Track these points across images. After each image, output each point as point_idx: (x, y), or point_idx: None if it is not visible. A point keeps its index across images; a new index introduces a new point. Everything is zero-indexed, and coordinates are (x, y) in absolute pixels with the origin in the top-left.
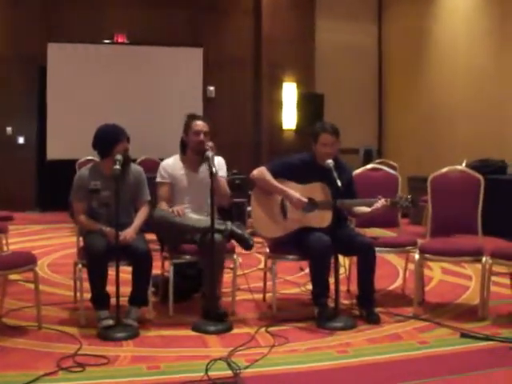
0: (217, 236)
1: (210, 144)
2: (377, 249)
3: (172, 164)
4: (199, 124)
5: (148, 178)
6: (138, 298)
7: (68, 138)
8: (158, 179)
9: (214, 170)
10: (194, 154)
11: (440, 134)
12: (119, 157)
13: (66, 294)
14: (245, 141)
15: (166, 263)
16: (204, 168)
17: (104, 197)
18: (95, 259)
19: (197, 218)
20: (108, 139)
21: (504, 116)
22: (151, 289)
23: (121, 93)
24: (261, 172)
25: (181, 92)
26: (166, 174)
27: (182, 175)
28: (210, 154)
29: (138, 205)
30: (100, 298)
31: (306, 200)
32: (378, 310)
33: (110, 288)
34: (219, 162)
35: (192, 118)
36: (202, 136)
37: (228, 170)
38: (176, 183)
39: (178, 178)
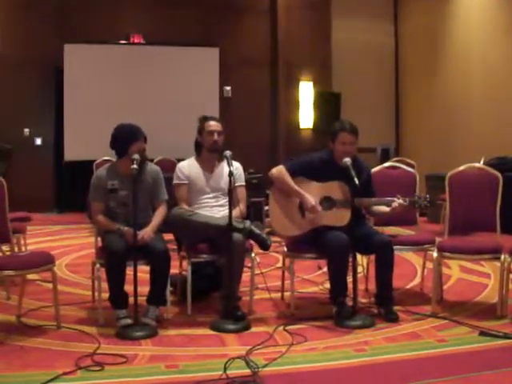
0: (236, 235)
1: (228, 152)
2: (395, 247)
3: (188, 165)
4: (212, 124)
5: (165, 178)
6: (156, 297)
7: (85, 139)
8: (176, 181)
9: (232, 168)
10: (209, 154)
11: (457, 132)
12: (137, 156)
13: (84, 293)
14: (262, 140)
15: (184, 262)
16: (220, 168)
17: (122, 196)
18: (114, 258)
19: (215, 217)
20: (124, 138)
21: None
22: (169, 288)
23: (137, 93)
24: (280, 171)
25: (197, 92)
26: (182, 176)
27: (198, 176)
28: (228, 153)
29: (156, 204)
30: (118, 298)
31: (320, 209)
32: (396, 308)
33: (128, 287)
34: (237, 170)
35: (205, 119)
36: (216, 135)
37: (245, 169)
38: (193, 184)
39: (195, 178)
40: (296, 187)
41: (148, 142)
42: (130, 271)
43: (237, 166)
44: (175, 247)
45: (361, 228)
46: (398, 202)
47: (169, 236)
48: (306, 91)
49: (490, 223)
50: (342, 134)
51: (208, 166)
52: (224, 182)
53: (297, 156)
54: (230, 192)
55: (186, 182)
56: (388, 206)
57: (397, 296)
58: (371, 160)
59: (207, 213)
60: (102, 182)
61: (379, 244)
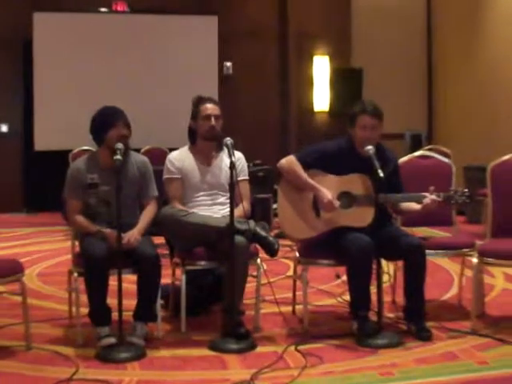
0: (239, 238)
1: (229, 139)
2: (427, 251)
3: (180, 157)
4: (209, 107)
5: (154, 171)
6: (144, 312)
7: (59, 126)
8: (166, 175)
9: (233, 159)
10: (205, 143)
11: (502, 116)
12: (120, 145)
13: (59, 308)
14: (269, 125)
15: (178, 271)
16: (219, 160)
17: (103, 192)
18: (94, 266)
19: (213, 217)
20: (100, 124)
21: None
22: (160, 301)
23: (121, 71)
24: (290, 162)
25: (192, 69)
26: (174, 169)
27: (192, 169)
28: (228, 140)
29: (144, 202)
30: (100, 313)
31: (337, 204)
32: (428, 324)
33: (112, 301)
34: (239, 161)
35: (199, 101)
36: (213, 120)
37: (249, 160)
38: (186, 179)
39: (189, 172)
40: (309, 180)
41: (134, 129)
42: (113, 281)
43: (239, 157)
44: (167, 252)
45: (386, 229)
46: (430, 197)
47: (159, 239)
48: (322, 67)
49: None
50: (363, 116)
51: (204, 158)
52: (224, 176)
53: (310, 144)
54: (232, 187)
55: (178, 176)
56: (419, 202)
57: (430, 309)
58: (399, 148)
59: (204, 212)
60: (79, 175)
61: (408, 248)
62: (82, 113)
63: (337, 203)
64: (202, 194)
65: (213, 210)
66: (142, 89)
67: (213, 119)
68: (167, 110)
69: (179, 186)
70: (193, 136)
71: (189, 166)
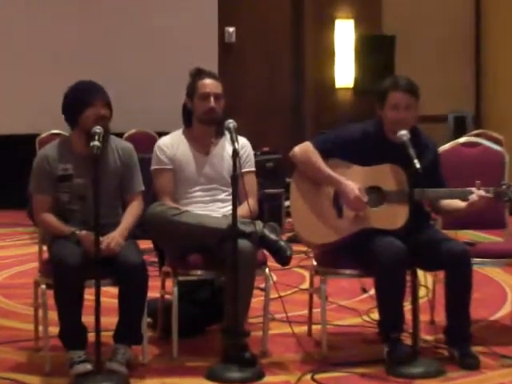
0: (242, 242)
1: (232, 122)
2: (474, 260)
3: (172, 143)
4: (208, 83)
5: (140, 161)
6: (127, 332)
7: (22, 104)
8: (155, 166)
9: (237, 146)
10: (203, 127)
11: None
12: (98, 129)
13: (23, 327)
14: (280, 105)
15: (168, 282)
16: (219, 147)
17: (77, 186)
18: (65, 277)
19: (212, 216)
20: (74, 102)
21: None
22: (146, 319)
23: (99, 37)
24: (305, 150)
25: (186, 35)
26: (164, 158)
27: (187, 158)
28: (231, 123)
29: (127, 198)
30: (73, 333)
31: (365, 199)
32: (475, 349)
33: (88, 318)
34: (244, 149)
35: (197, 75)
36: (212, 101)
37: (255, 148)
38: (180, 170)
39: (183, 162)
40: (329, 171)
41: (115, 109)
42: (89, 295)
43: (244, 144)
44: (155, 260)
45: (423, 232)
46: (477, 193)
47: (146, 243)
48: (345, 34)
49: None
50: (394, 93)
51: (201, 145)
52: (225, 168)
53: (330, 129)
54: (235, 180)
55: (169, 166)
56: (463, 199)
57: (477, 331)
58: (440, 133)
59: (201, 211)
60: (48, 165)
61: (450, 255)
62: (52, 89)
63: (364, 199)
64: (198, 188)
65: (211, 208)
66: (125, 59)
67: (212, 99)
68: (155, 85)
69: (170, 178)
70: (188, 117)
71: (182, 155)
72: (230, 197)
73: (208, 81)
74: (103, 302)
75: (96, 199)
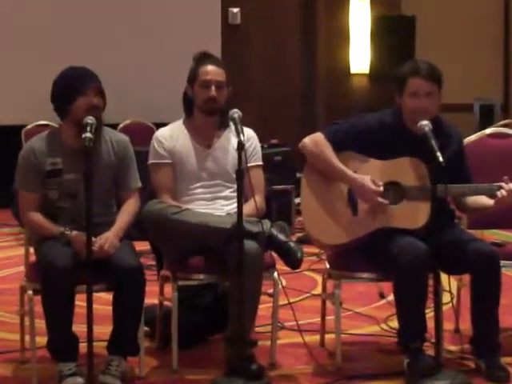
0: (249, 243)
1: (237, 112)
2: (502, 262)
3: (171, 135)
4: (210, 70)
5: (137, 154)
6: (122, 342)
7: (7, 93)
8: (153, 160)
9: (242, 138)
10: (204, 117)
11: None
12: (91, 119)
13: (8, 337)
14: (289, 93)
15: (167, 287)
16: (223, 140)
17: (68, 183)
18: (54, 281)
19: (215, 215)
20: (64, 90)
21: None
22: (144, 328)
23: (94, 21)
24: (316, 142)
25: (187, 16)
26: (163, 151)
27: (187, 151)
28: (236, 113)
29: (122, 196)
30: (62, 344)
31: (383, 201)
32: (504, 360)
33: (79, 327)
34: (250, 141)
35: (200, 60)
36: (213, 89)
37: (262, 140)
38: (180, 164)
39: (183, 155)
40: (341, 166)
41: (109, 97)
42: (81, 301)
43: (250, 135)
44: (153, 263)
45: (447, 232)
46: (507, 188)
47: (143, 245)
48: (360, 15)
49: None
50: (414, 79)
51: (203, 137)
52: (230, 162)
53: (344, 118)
54: (240, 175)
55: (168, 160)
56: (491, 196)
57: (506, 341)
58: (464, 124)
59: (203, 209)
60: (36, 159)
61: (477, 257)
62: (40, 77)
63: (380, 199)
64: (199, 184)
65: (214, 205)
66: (119, 42)
67: (213, 88)
68: (153, 71)
69: (169, 173)
70: (189, 106)
71: (182, 147)
72: (235, 194)
73: (210, 67)
74: (96, 310)
75: (88, 196)
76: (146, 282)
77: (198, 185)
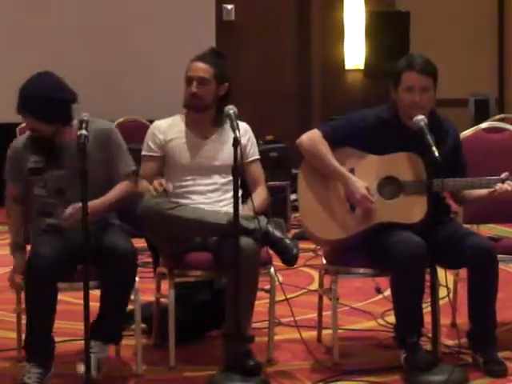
0: (244, 239)
1: (232, 108)
2: (499, 256)
3: (167, 126)
4: (193, 67)
5: (133, 151)
6: (104, 327)
7: (2, 91)
8: (143, 151)
9: (237, 134)
10: (193, 114)
11: None
12: (85, 116)
13: (5, 335)
14: (284, 89)
15: (164, 284)
16: (220, 132)
17: (53, 179)
18: (34, 275)
19: (210, 210)
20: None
21: None
22: (140, 325)
23: (91, 21)
24: (312, 139)
25: (182, 14)
26: (153, 144)
27: (181, 142)
28: (231, 110)
29: (115, 183)
30: (37, 344)
31: (374, 199)
32: (502, 354)
33: (75, 325)
34: (246, 136)
35: (194, 58)
36: (194, 85)
37: (258, 137)
38: (172, 154)
39: (176, 146)
40: (337, 165)
41: (103, 93)
42: (74, 298)
43: (245, 129)
44: (149, 260)
45: (443, 227)
46: (507, 183)
47: (139, 242)
48: (355, 10)
49: None
50: (409, 74)
51: (199, 130)
52: (226, 154)
53: (339, 114)
54: (236, 172)
55: (156, 154)
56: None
57: (503, 335)
58: (459, 118)
59: (197, 201)
60: (19, 158)
61: (474, 252)
62: (32, 71)
63: (374, 197)
64: (193, 177)
65: (209, 199)
66: (116, 41)
67: (195, 84)
68: (147, 68)
69: (154, 166)
70: None
71: (177, 138)
72: (231, 186)
73: (194, 64)
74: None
75: (84, 194)
76: (138, 270)
77: (191, 177)
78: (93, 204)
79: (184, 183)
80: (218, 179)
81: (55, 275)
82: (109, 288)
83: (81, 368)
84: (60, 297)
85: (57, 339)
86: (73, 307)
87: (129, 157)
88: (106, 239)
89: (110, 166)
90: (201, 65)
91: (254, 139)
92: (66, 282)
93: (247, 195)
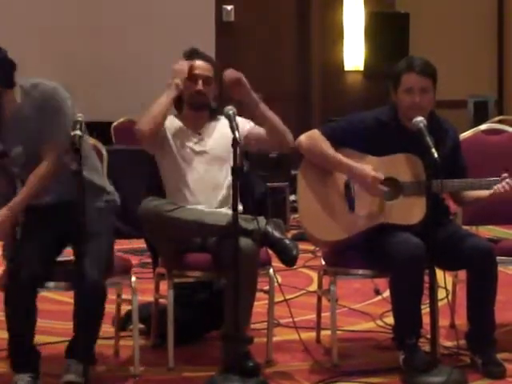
0: (244, 240)
1: (231, 108)
2: (498, 258)
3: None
4: (198, 65)
5: (132, 153)
6: (78, 348)
7: None
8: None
9: (237, 134)
10: (192, 112)
11: None
12: (80, 117)
13: (1, 336)
14: (284, 90)
15: (163, 284)
16: (218, 132)
17: (18, 156)
18: (14, 283)
19: (209, 210)
20: None
21: None
22: (139, 325)
23: (90, 20)
24: (312, 138)
25: (182, 15)
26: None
27: (179, 140)
28: (231, 110)
29: (41, 152)
30: (21, 354)
31: (383, 188)
32: (500, 356)
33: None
34: (244, 127)
35: (189, 56)
36: (200, 84)
37: None
38: (168, 153)
39: (173, 144)
40: (339, 156)
41: (101, 94)
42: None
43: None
44: (148, 261)
45: (443, 228)
46: (503, 182)
47: (138, 243)
48: (354, 11)
49: None
50: (409, 75)
51: (194, 127)
52: (224, 145)
53: (339, 115)
54: (235, 172)
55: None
56: (487, 190)
57: (502, 337)
58: (459, 120)
59: (196, 194)
60: None
61: (473, 253)
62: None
63: (382, 177)
64: (190, 175)
65: (208, 191)
66: (115, 41)
67: (200, 82)
68: (146, 68)
69: None
70: (179, 101)
71: (173, 137)
72: (229, 178)
73: (198, 62)
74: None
75: (80, 194)
76: (107, 296)
77: (188, 175)
78: (13, 204)
79: (182, 183)
80: (215, 171)
81: (34, 287)
82: (80, 314)
83: (67, 377)
84: (53, 296)
85: (52, 339)
86: (66, 307)
87: (62, 125)
88: (79, 261)
89: (40, 127)
90: (205, 64)
91: (245, 120)
92: (51, 281)
93: (252, 201)
